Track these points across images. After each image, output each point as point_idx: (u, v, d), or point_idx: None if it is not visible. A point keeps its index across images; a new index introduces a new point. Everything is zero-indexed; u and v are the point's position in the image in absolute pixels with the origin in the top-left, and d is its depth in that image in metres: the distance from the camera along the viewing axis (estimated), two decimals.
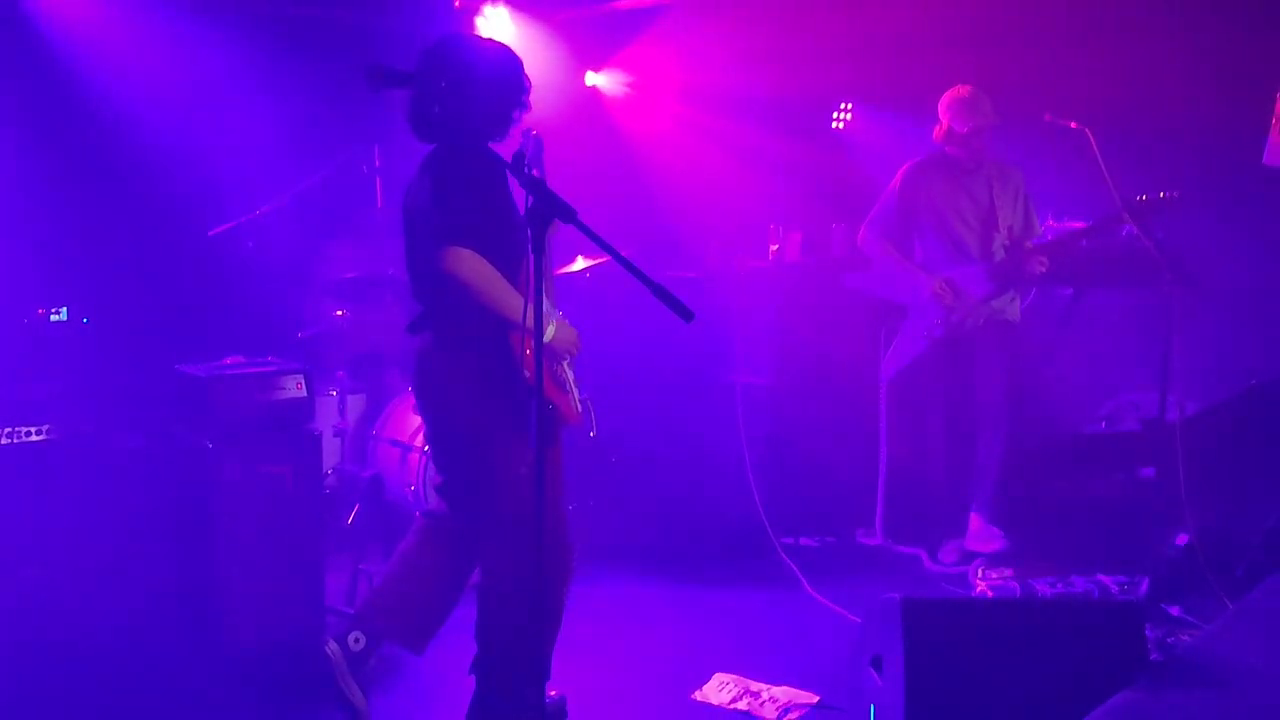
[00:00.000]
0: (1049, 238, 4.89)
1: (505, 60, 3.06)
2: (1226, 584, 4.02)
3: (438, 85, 2.94)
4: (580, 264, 5.31)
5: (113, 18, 4.78)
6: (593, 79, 6.70)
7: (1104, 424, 5.58)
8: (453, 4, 6.12)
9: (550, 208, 2.27)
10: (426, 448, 4.72)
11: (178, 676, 3.62)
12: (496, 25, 6.23)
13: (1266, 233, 5.28)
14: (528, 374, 2.85)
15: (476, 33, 6.14)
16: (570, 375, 3.21)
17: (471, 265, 2.85)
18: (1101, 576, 4.39)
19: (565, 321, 3.17)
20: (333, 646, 3.13)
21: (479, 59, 3.00)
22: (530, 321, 2.49)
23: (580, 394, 3.27)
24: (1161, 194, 4.28)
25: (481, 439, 3.05)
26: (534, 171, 3.19)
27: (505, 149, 2.35)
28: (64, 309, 4.28)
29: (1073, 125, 4.42)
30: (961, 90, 4.68)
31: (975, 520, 4.79)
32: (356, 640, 3.15)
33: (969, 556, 4.77)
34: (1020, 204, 4.78)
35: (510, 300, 2.89)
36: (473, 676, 3.18)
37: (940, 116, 4.74)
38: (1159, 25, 5.27)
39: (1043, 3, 5.46)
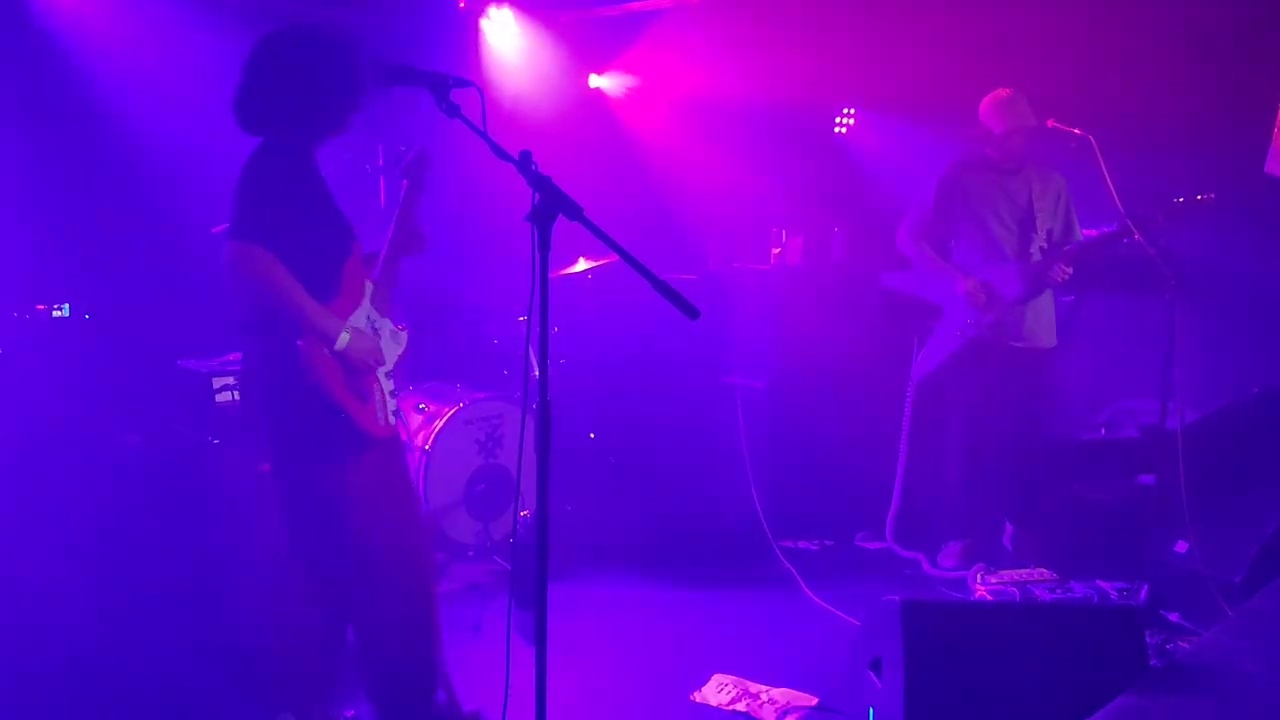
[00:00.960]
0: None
1: (342, 56, 2.92)
2: (1226, 591, 4.02)
3: (266, 79, 2.88)
4: (582, 265, 5.31)
5: (116, 14, 4.78)
6: (596, 81, 6.71)
7: (1103, 431, 5.59)
8: (457, 5, 6.13)
9: (556, 205, 2.27)
10: (428, 446, 4.73)
11: (179, 673, 3.62)
12: (501, 27, 6.25)
13: (1268, 241, 5.29)
14: (314, 382, 2.79)
15: (482, 36, 6.20)
16: (387, 386, 3.06)
17: (256, 264, 2.73)
18: (1101, 582, 4.38)
19: (375, 330, 3.04)
20: None
21: (311, 53, 2.89)
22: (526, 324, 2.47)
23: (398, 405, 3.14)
24: (1199, 196, 4.28)
25: (285, 465, 2.95)
26: (404, 183, 3.23)
27: (513, 147, 2.35)
28: (66, 305, 4.29)
29: (1077, 132, 4.42)
30: (1001, 92, 4.67)
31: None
32: None
33: (969, 561, 4.77)
34: (1061, 208, 4.77)
35: (296, 303, 2.78)
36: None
37: (981, 118, 4.73)
38: (1162, 32, 5.27)
39: (1046, 9, 5.47)
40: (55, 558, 3.63)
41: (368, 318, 3.03)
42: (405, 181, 3.26)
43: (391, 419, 3.07)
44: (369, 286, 3.06)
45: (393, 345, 3.13)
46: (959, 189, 4.80)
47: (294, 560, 3.06)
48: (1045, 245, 4.72)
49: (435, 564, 3.20)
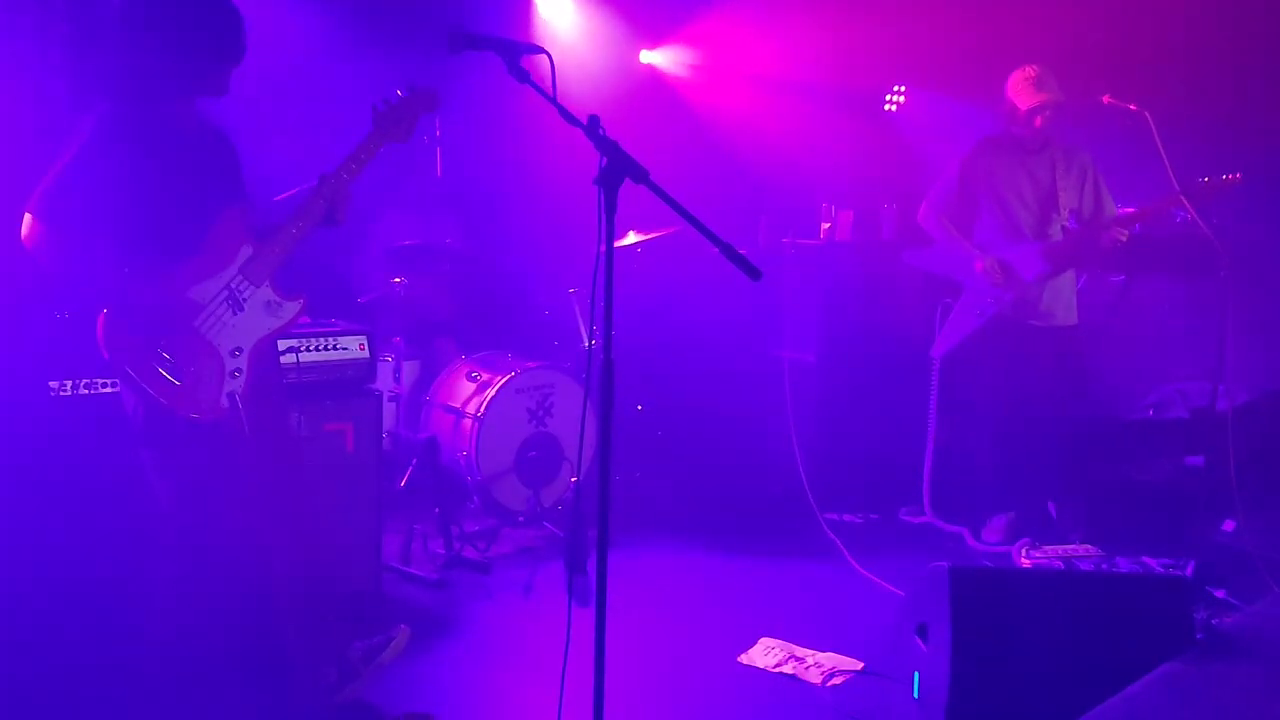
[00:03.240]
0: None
1: (204, 8, 2.81)
2: (1273, 569, 4.03)
3: (117, 35, 2.78)
4: (632, 238, 5.37)
5: None
6: (648, 56, 6.75)
7: (1151, 411, 5.58)
8: None
9: (623, 168, 2.33)
10: (480, 414, 4.82)
11: (235, 630, 3.70)
12: (555, 3, 6.31)
13: None
14: (106, 355, 2.71)
15: (534, 9, 6.26)
16: (231, 364, 2.85)
17: (35, 232, 2.69)
18: (1147, 559, 4.41)
19: (239, 299, 2.87)
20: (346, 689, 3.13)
21: (164, 6, 2.77)
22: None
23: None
24: (1225, 176, 4.27)
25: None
26: (371, 129, 3.07)
27: (582, 113, 2.41)
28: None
29: (1132, 108, 4.41)
30: (1028, 69, 4.67)
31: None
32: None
33: (1014, 536, 4.80)
34: (1090, 186, 4.76)
35: (80, 275, 2.71)
36: None
37: (1007, 95, 4.74)
38: (1218, 7, 5.24)
39: None
40: (114, 509, 3.71)
41: (229, 284, 2.87)
42: (371, 128, 3.09)
43: (225, 401, 2.84)
44: (245, 250, 2.91)
45: (265, 316, 2.95)
46: (982, 168, 4.82)
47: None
48: (1067, 224, 4.72)
49: (274, 550, 3.05)
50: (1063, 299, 4.80)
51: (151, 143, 2.80)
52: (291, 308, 3.00)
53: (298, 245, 3.02)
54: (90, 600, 3.31)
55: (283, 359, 3.91)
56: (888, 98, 6.79)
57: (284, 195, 4.76)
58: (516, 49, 2.53)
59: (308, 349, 3.86)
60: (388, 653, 3.25)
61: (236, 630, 2.99)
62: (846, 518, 5.23)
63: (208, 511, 2.86)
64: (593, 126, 2.37)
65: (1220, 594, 4.11)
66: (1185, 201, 4.31)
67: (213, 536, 2.88)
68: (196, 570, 2.93)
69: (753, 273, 2.34)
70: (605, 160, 2.34)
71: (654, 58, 6.76)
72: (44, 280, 2.96)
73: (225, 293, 2.86)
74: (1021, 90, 4.67)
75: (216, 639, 2.98)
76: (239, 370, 2.87)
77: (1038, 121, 4.66)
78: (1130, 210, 4.74)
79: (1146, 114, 4.37)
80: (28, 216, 2.72)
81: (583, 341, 5.31)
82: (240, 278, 2.89)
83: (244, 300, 2.90)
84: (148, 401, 2.74)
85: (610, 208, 2.35)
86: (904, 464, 5.34)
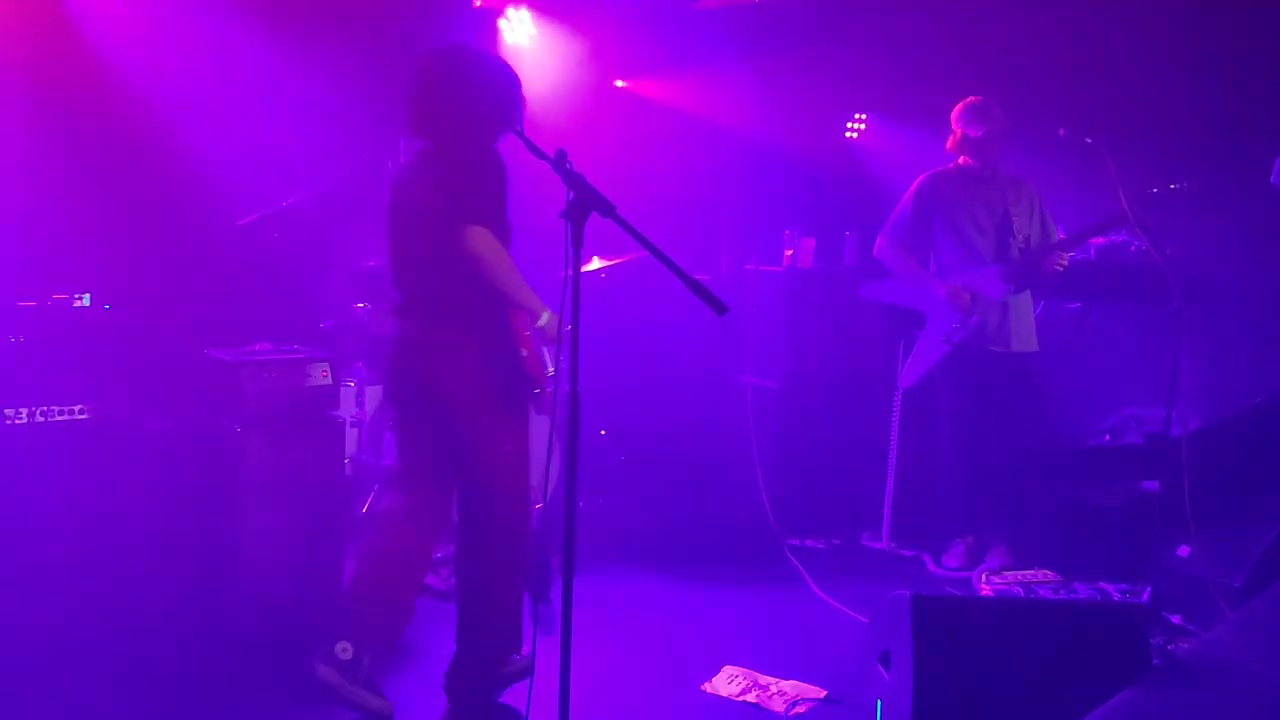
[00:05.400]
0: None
1: (507, 76, 3.25)
2: (1227, 595, 4.09)
3: (447, 91, 3.14)
4: (596, 264, 5.38)
5: (146, 10, 4.86)
6: (610, 81, 6.78)
7: (1107, 437, 5.66)
8: (472, 4, 6.20)
9: (590, 203, 2.34)
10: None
11: (196, 656, 3.69)
12: (519, 27, 6.32)
13: (1272, 250, 5.37)
14: (525, 353, 3.22)
15: (499, 35, 6.29)
16: (550, 364, 3.52)
17: (489, 244, 3.07)
18: (1104, 584, 4.46)
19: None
20: (323, 670, 3.18)
21: (485, 66, 3.23)
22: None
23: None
24: (1171, 185, 4.36)
25: (480, 417, 3.23)
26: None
27: (546, 138, 2.43)
28: (86, 295, 4.36)
29: (1088, 140, 4.49)
30: (972, 100, 4.78)
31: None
32: (344, 649, 3.20)
33: (974, 561, 4.85)
34: (1036, 216, 4.86)
35: (517, 281, 3.15)
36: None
37: (953, 126, 4.84)
38: (1172, 41, 5.36)
39: (1059, 17, 5.56)
40: (81, 537, 3.70)
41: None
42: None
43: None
44: None
45: None
46: (934, 200, 4.89)
47: (412, 518, 3.35)
48: (1023, 249, 4.80)
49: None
50: (1025, 326, 4.87)
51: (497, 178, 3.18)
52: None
53: None
54: (42, 626, 3.27)
55: (245, 386, 3.90)
56: (849, 125, 6.88)
57: (247, 219, 4.77)
58: None
59: (270, 375, 3.83)
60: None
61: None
62: (809, 543, 5.25)
63: (524, 485, 3.37)
64: (560, 160, 2.39)
65: (1176, 619, 4.17)
66: (1132, 222, 4.40)
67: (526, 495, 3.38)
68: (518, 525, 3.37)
69: (719, 307, 2.36)
70: (572, 194, 2.35)
71: (617, 83, 6.79)
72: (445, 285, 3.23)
73: None
74: (970, 119, 4.76)
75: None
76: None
77: (986, 150, 4.75)
78: (1066, 235, 4.82)
79: (1102, 146, 4.45)
80: (478, 225, 3.06)
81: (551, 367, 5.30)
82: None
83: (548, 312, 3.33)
84: (530, 386, 3.30)
85: (577, 241, 2.36)
86: (866, 489, 5.38)
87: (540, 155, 2.42)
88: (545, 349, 3.43)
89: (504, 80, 3.22)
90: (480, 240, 3.05)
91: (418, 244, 3.19)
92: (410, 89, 3.17)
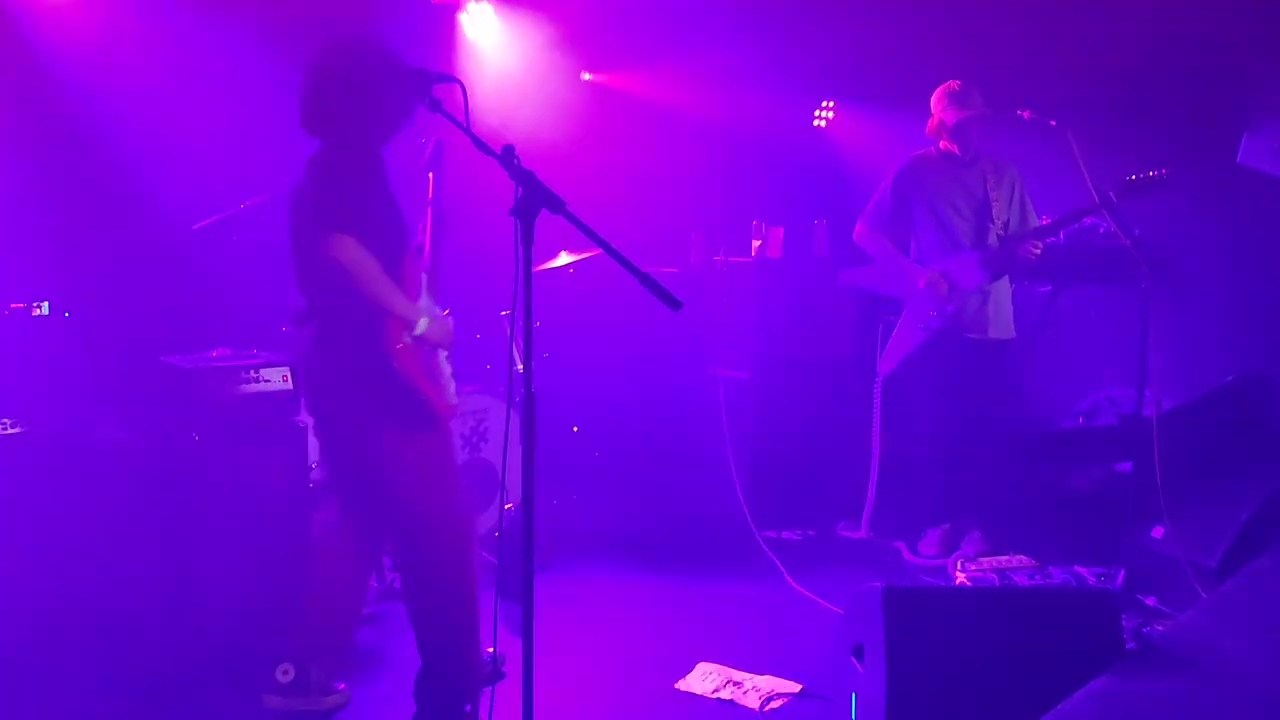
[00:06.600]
0: None
1: (404, 69, 3.07)
2: (1201, 575, 4.08)
3: (336, 84, 3.01)
4: (564, 259, 5.33)
5: (94, 10, 4.77)
6: (575, 74, 6.72)
7: (1082, 419, 5.66)
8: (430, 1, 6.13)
9: (539, 199, 2.29)
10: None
11: (158, 671, 3.62)
12: (480, 22, 6.26)
13: (1240, 230, 5.37)
14: (397, 365, 3.04)
15: (459, 30, 6.21)
16: (447, 369, 3.29)
17: (353, 253, 2.93)
18: (1079, 568, 4.45)
19: (441, 317, 3.27)
20: (269, 700, 3.18)
21: (381, 63, 3.03)
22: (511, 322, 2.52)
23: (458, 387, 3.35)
24: (1151, 173, 4.34)
25: (362, 434, 3.12)
26: (430, 174, 3.40)
27: (496, 143, 2.38)
28: (45, 303, 4.27)
29: (1052, 123, 4.47)
30: (952, 84, 4.75)
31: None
32: (284, 672, 3.18)
33: (949, 548, 4.83)
34: (1016, 199, 4.83)
35: (387, 290, 3.01)
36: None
37: (932, 110, 4.80)
38: (1138, 22, 5.36)
39: (1025, 2, 5.54)
40: (37, 553, 3.62)
41: (429, 306, 3.25)
42: (431, 174, 3.45)
43: (454, 398, 3.29)
44: (423, 277, 3.27)
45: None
46: (915, 183, 4.86)
47: (345, 523, 3.30)
48: (1002, 234, 4.78)
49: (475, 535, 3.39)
50: (1004, 313, 4.84)
51: (381, 179, 3.10)
52: (450, 322, 3.33)
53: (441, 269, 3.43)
54: None
55: (203, 393, 3.83)
56: (816, 113, 6.85)
57: (204, 223, 4.68)
58: (427, 78, 2.49)
59: (229, 381, 3.76)
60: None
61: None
62: (784, 535, 5.23)
63: (444, 499, 3.19)
64: (507, 156, 2.34)
65: (1150, 601, 4.17)
66: (1103, 208, 4.39)
67: (446, 522, 3.17)
68: (434, 551, 3.19)
69: (672, 303, 2.31)
70: (521, 191, 2.30)
71: (583, 76, 6.73)
72: (317, 296, 3.15)
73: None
74: (948, 104, 4.73)
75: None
76: (452, 374, 3.31)
77: (965, 135, 4.72)
78: (1048, 221, 4.81)
79: (1066, 128, 4.43)
80: (337, 234, 2.92)
81: (517, 365, 5.26)
82: (429, 300, 3.27)
83: (435, 319, 3.24)
84: (417, 401, 3.10)
85: (527, 239, 2.31)
86: (840, 479, 5.35)
87: (487, 152, 2.37)
88: (444, 360, 3.29)
89: (400, 78, 3.05)
90: (340, 248, 2.93)
91: (301, 251, 3.12)
92: (301, 83, 3.06)
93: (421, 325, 3.09)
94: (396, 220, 3.12)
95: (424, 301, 3.22)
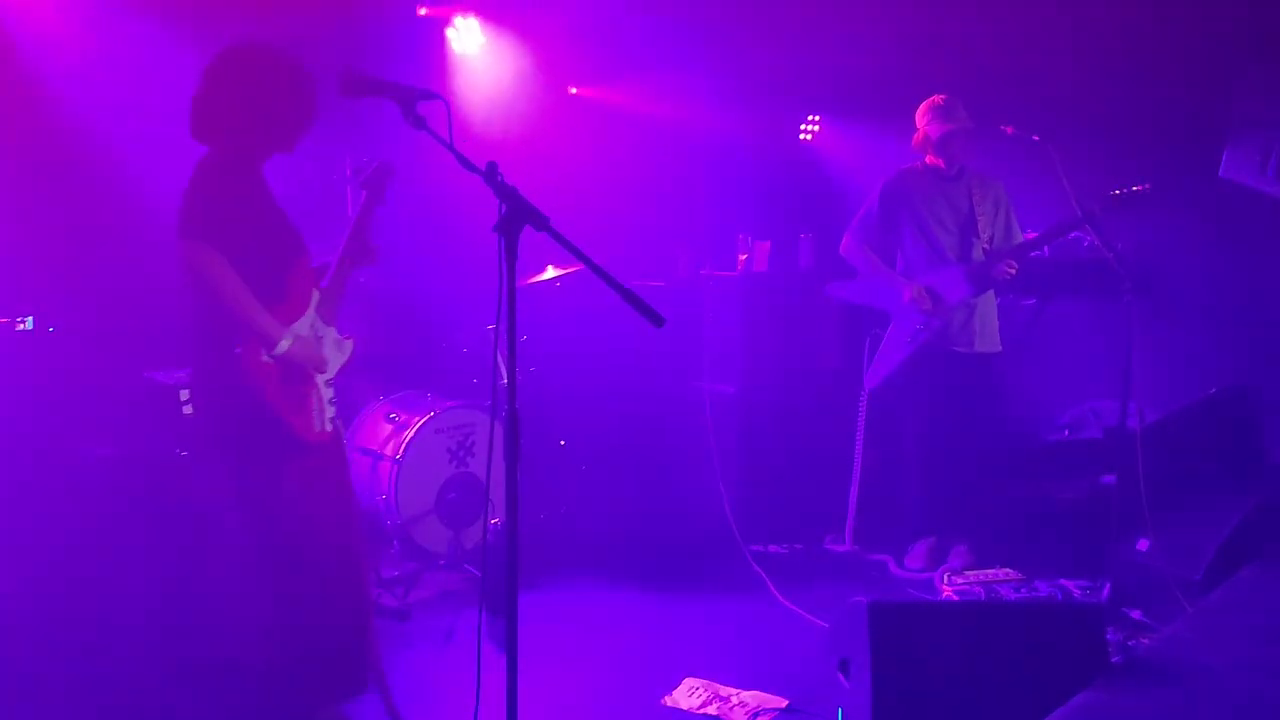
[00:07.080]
0: None
1: (295, 82, 3.05)
2: (1186, 588, 4.09)
3: (221, 92, 2.98)
4: (551, 273, 5.33)
5: (79, 23, 4.76)
6: (562, 88, 6.74)
7: (1066, 431, 5.67)
8: (415, 12, 6.13)
9: (523, 216, 2.29)
10: (399, 456, 4.73)
11: (144, 686, 3.59)
12: (467, 36, 6.27)
13: (1222, 243, 5.41)
14: (249, 384, 2.93)
15: (447, 45, 6.21)
16: (327, 393, 3.18)
17: (209, 262, 2.87)
18: (1064, 581, 4.46)
19: (319, 337, 3.16)
20: None
21: (266, 75, 3.01)
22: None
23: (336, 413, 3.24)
24: (1134, 187, 4.37)
25: (219, 455, 3.11)
26: (362, 194, 3.36)
27: (480, 159, 2.37)
28: (29, 318, 4.25)
29: (1035, 138, 4.49)
30: (936, 98, 4.78)
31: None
32: None
33: (935, 562, 4.83)
34: (1001, 214, 4.86)
35: (241, 303, 2.90)
36: None
37: (917, 124, 4.83)
38: (1122, 38, 5.39)
39: (1009, 14, 5.58)
40: (22, 569, 3.60)
41: (311, 325, 3.15)
42: (364, 193, 3.39)
43: (328, 425, 3.18)
44: (315, 295, 3.17)
45: (336, 353, 3.25)
46: (902, 197, 4.89)
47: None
48: (987, 248, 4.80)
49: (368, 566, 3.32)
50: (988, 326, 4.86)
51: (258, 190, 3.06)
52: (349, 345, 3.29)
53: (346, 289, 3.31)
54: None
55: (186, 408, 3.81)
56: (802, 128, 6.88)
57: None
58: (412, 95, 2.49)
59: None
60: None
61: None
62: (771, 549, 5.23)
63: (324, 528, 3.13)
64: (491, 173, 2.33)
65: (1136, 614, 4.18)
66: (1087, 222, 4.42)
67: (327, 553, 3.12)
68: (314, 583, 3.11)
69: (655, 320, 2.31)
70: (504, 207, 2.30)
71: (570, 90, 6.74)
72: (190, 314, 3.05)
73: (311, 331, 3.14)
74: (933, 118, 4.75)
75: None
76: (332, 400, 3.20)
77: (950, 149, 4.75)
78: (1033, 235, 4.83)
79: (1049, 144, 4.46)
80: (189, 241, 2.86)
81: (502, 378, 5.25)
82: (318, 318, 3.17)
83: (321, 338, 3.17)
84: (276, 428, 2.99)
85: (511, 255, 2.31)
86: (827, 493, 5.35)
87: (470, 168, 2.36)
88: (324, 384, 3.16)
89: (297, 90, 3.02)
90: (196, 257, 2.86)
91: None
92: (194, 88, 3.02)
93: (283, 345, 2.97)
94: (278, 234, 3.06)
95: (306, 320, 3.12)
